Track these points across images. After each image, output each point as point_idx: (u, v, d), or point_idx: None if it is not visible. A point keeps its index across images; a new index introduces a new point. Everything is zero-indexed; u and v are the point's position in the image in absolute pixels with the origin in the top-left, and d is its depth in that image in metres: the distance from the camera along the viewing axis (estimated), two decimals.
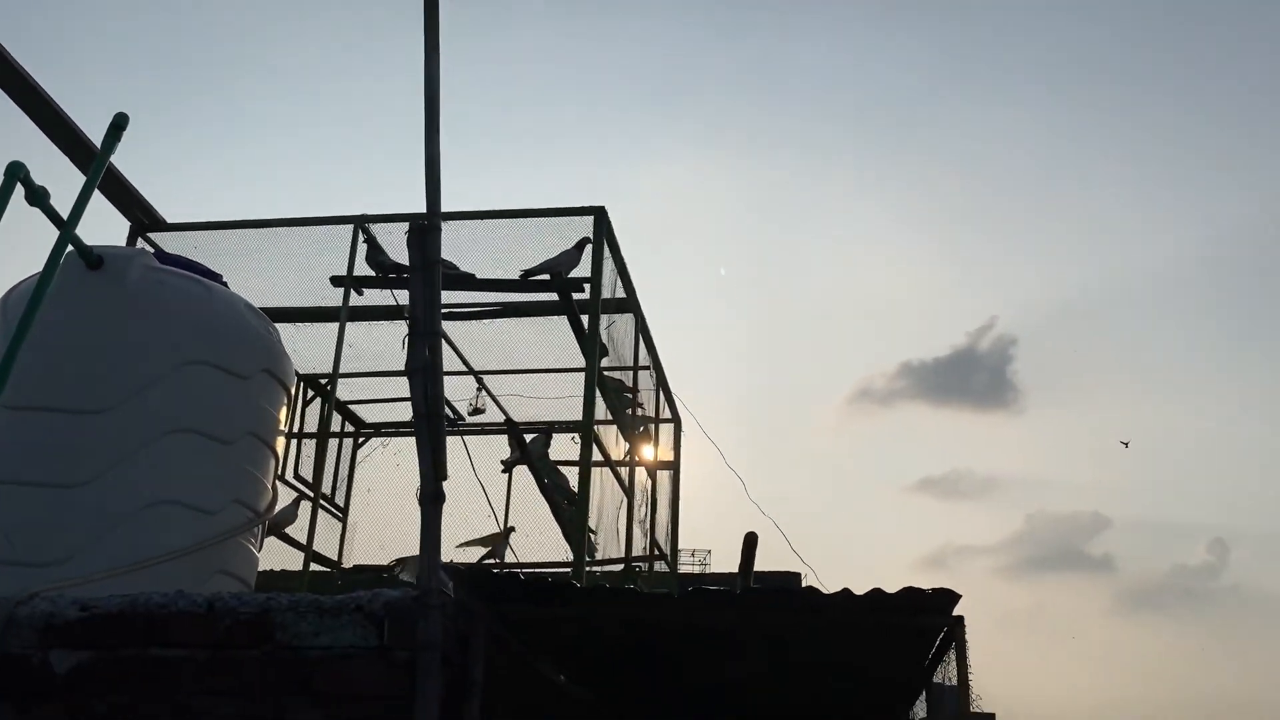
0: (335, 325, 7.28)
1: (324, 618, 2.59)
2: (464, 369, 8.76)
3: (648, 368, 8.25)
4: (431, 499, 2.66)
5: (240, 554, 4.30)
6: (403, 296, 6.62)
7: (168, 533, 3.84)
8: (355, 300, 6.80)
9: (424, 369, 2.81)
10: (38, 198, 3.74)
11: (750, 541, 3.64)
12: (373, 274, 6.52)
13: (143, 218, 6.31)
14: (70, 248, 3.95)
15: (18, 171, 3.63)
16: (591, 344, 5.96)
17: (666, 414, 9.55)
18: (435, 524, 2.64)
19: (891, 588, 2.72)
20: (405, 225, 6.62)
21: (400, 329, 7.65)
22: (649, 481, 8.65)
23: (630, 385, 7.61)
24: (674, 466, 9.88)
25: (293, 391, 4.90)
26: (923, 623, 2.77)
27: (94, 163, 4.06)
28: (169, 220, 6.54)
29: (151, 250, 5.12)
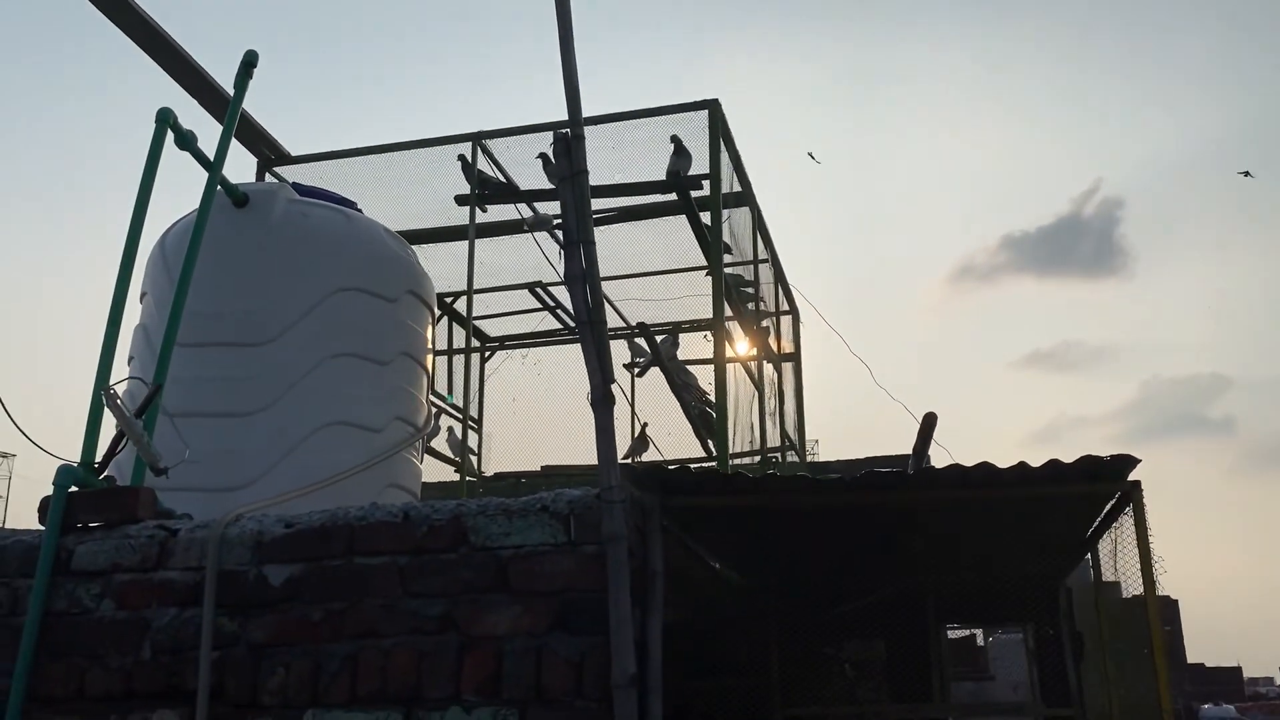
0: (456, 244, 7.44)
1: (513, 519, 2.70)
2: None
3: (766, 261, 8.19)
4: (602, 401, 2.72)
5: (407, 467, 4.49)
6: (526, 210, 6.69)
7: (340, 451, 4.03)
8: (479, 217, 6.89)
9: (582, 276, 2.85)
10: (186, 141, 3.87)
11: (929, 421, 3.63)
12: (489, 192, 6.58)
13: (268, 153, 6.47)
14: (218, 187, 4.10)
15: (167, 117, 3.76)
16: (716, 242, 5.93)
17: (785, 307, 9.51)
18: (609, 424, 2.71)
19: (1004, 462, 2.70)
20: (522, 138, 6.67)
21: (522, 241, 7.74)
22: (775, 374, 8.66)
23: (751, 280, 7.58)
24: (796, 358, 9.88)
25: (435, 310, 5.04)
26: (1101, 489, 2.74)
27: (231, 102, 4.17)
28: (292, 153, 6.70)
29: (288, 184, 5.25)
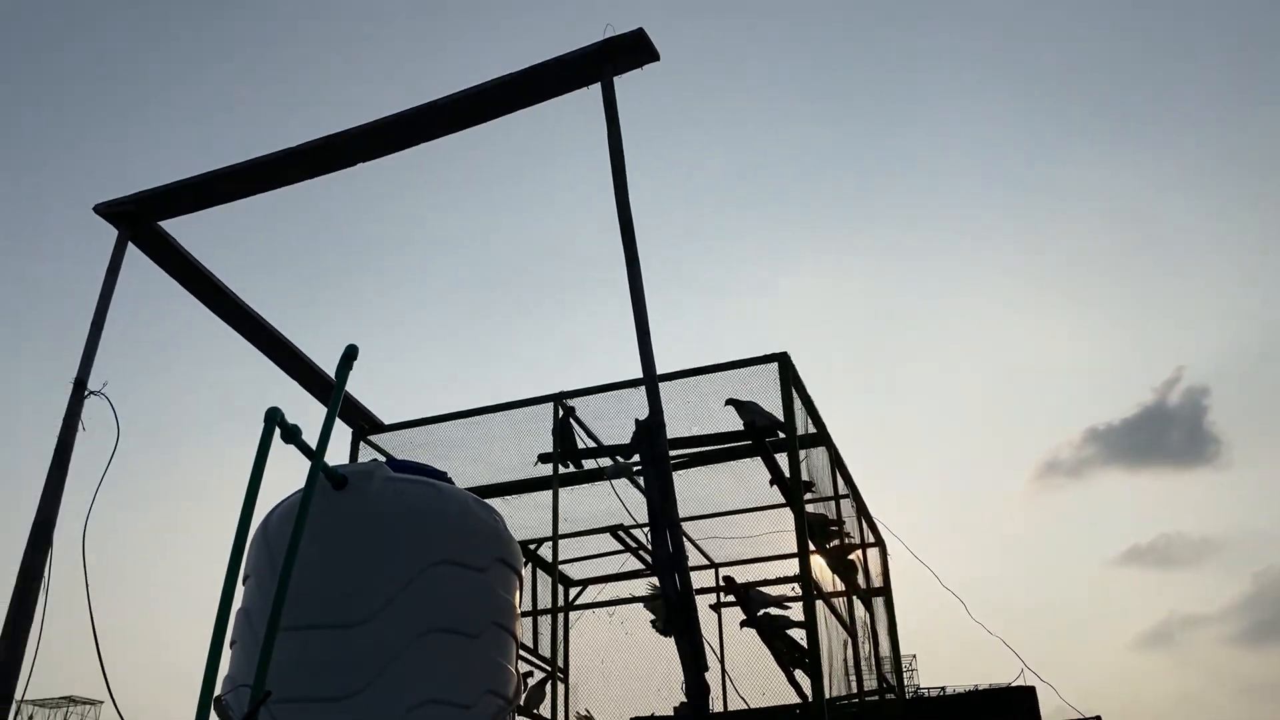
0: (538, 494, 7.62)
1: None
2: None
3: (847, 496, 8.17)
4: (697, 695, 2.72)
5: None
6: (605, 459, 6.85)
7: None
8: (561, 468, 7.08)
9: (670, 561, 2.91)
10: (291, 436, 4.10)
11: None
12: (573, 445, 6.79)
13: (363, 423, 6.79)
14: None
15: (275, 416, 4.01)
16: (796, 486, 5.98)
17: (870, 540, 9.38)
18: (704, 715, 2.69)
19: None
20: (602, 395, 6.93)
21: (600, 488, 7.89)
22: (866, 612, 8.45)
23: (834, 517, 7.54)
24: (886, 592, 9.63)
25: (522, 574, 5.10)
26: None
27: (333, 393, 4.43)
28: (384, 421, 7.02)
29: (383, 459, 5.49)
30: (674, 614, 2.83)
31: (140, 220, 5.06)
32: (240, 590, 4.70)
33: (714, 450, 7.17)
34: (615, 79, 4.12)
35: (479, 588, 4.57)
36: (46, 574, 4.17)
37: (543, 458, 6.84)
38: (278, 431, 4.05)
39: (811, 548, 6.72)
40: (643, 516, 8.97)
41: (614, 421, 6.94)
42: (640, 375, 6.64)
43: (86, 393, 4.62)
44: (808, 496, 6.68)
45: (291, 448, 4.25)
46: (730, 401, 6.10)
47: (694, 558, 9.41)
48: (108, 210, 5.06)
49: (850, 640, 7.22)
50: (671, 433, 6.85)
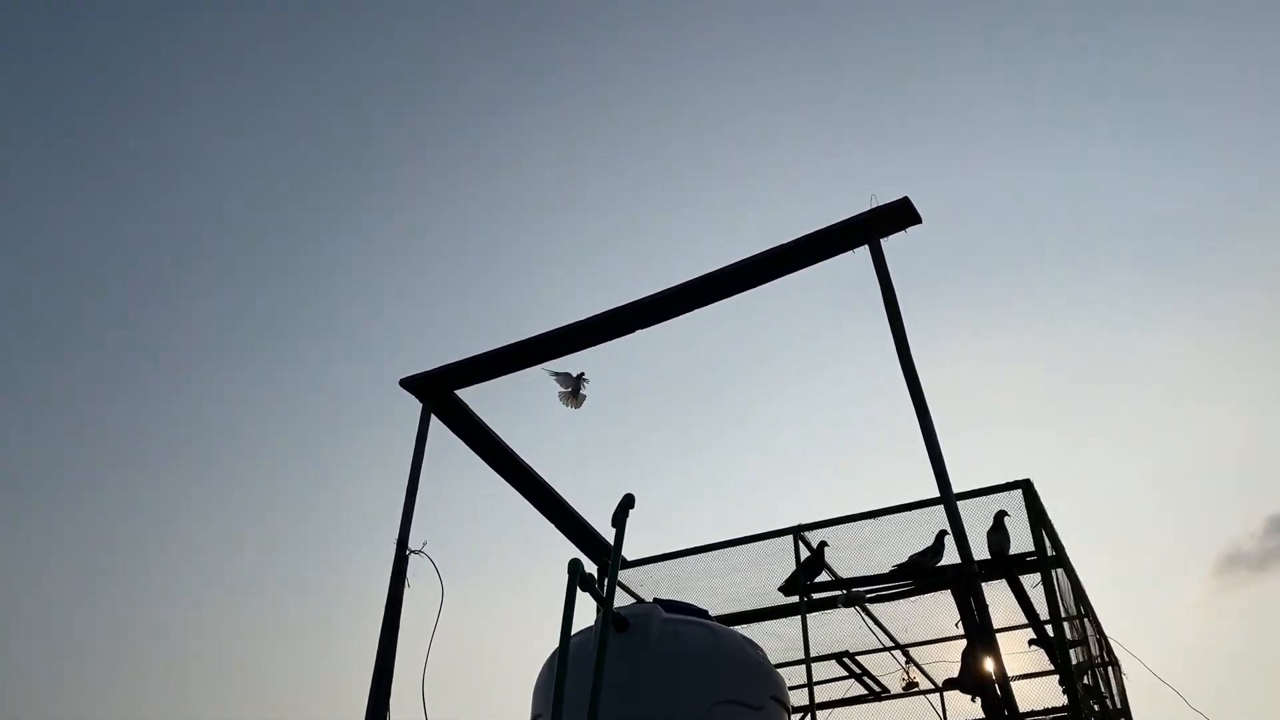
0: (769, 621, 7.67)
1: None
2: (889, 644, 8.80)
3: (1085, 615, 7.86)
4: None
5: None
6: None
7: None
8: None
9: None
10: (587, 584, 4.37)
11: None
12: (816, 578, 6.85)
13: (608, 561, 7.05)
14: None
15: (578, 567, 4.29)
16: (1055, 613, 5.84)
17: (1105, 658, 8.93)
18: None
19: None
20: (840, 527, 7.00)
21: (830, 615, 7.87)
22: None
23: (1078, 635, 7.26)
24: (1126, 715, 9.09)
25: (790, 710, 5.15)
26: None
27: (614, 540, 4.69)
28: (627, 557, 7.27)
29: (654, 601, 5.70)
30: None
31: (442, 392, 5.56)
32: None
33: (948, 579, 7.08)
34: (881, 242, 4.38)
35: None
36: (388, 718, 4.53)
37: (784, 590, 6.93)
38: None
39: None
40: (866, 644, 8.87)
41: (846, 552, 6.99)
42: (875, 508, 6.72)
43: (408, 551, 5.07)
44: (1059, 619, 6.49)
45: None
46: (999, 516, 6.06)
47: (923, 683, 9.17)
48: (412, 384, 5.60)
49: None
50: (909, 556, 6.85)
